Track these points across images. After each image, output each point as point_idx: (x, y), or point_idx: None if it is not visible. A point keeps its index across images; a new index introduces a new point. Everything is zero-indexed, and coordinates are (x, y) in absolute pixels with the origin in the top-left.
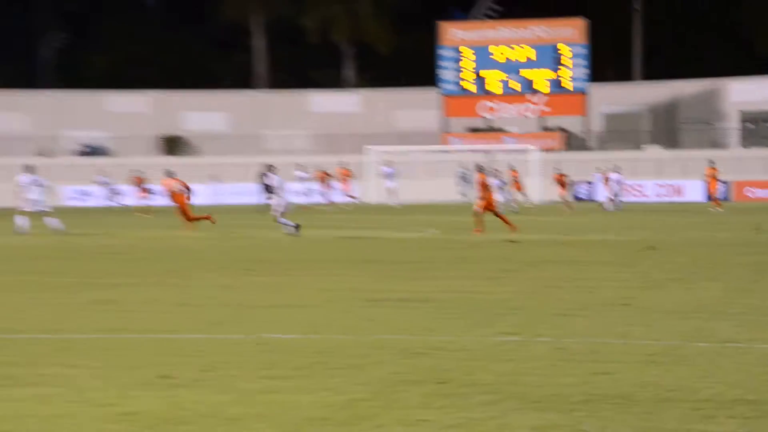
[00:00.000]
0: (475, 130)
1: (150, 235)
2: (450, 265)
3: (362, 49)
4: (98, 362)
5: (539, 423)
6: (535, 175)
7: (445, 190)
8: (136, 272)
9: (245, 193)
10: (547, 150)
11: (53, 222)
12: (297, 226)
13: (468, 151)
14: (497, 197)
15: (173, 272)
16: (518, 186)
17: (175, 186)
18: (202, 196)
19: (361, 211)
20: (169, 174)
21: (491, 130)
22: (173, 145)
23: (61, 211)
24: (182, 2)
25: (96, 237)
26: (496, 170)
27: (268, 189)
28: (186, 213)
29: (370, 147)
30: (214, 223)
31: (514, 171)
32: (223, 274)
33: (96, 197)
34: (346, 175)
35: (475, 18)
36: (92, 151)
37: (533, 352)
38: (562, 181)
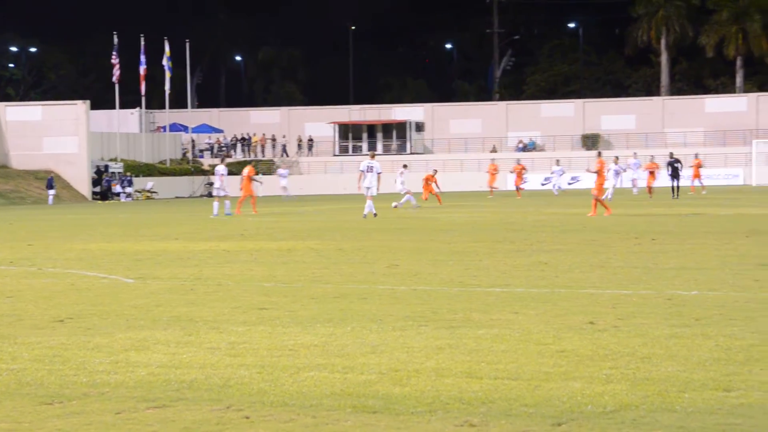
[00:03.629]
0: None
1: (571, 212)
2: None
3: (750, 59)
4: (536, 310)
5: None
6: None
7: None
8: (563, 241)
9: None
10: None
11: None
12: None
13: None
14: None
15: (594, 241)
16: None
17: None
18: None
19: (748, 191)
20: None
21: None
22: (591, 141)
23: (504, 195)
24: (603, 29)
25: (529, 213)
26: None
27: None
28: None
29: (756, 140)
30: None
31: None
32: (633, 243)
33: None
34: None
35: None
36: (528, 147)
37: None
38: None
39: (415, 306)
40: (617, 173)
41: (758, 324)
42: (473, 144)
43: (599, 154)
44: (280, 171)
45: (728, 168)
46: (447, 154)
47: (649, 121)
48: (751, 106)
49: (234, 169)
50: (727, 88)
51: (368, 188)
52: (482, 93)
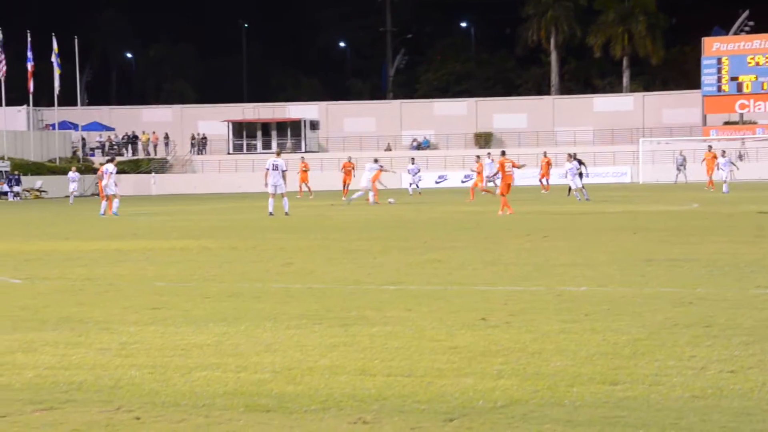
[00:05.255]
0: (729, 123)
1: (464, 210)
2: (710, 232)
3: (636, 60)
4: (429, 308)
5: None
6: None
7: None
8: (457, 238)
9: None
10: None
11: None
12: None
13: (724, 140)
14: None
15: (486, 239)
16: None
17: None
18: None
19: (635, 189)
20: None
21: (745, 123)
22: (484, 139)
23: (397, 193)
24: (494, 29)
25: (424, 211)
26: (723, 152)
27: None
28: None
29: (642, 139)
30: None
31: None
32: (525, 240)
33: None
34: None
35: (735, 33)
36: (422, 146)
37: None
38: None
39: (309, 304)
40: (573, 172)
41: (644, 319)
42: (368, 142)
43: (503, 153)
44: (71, 175)
45: (616, 166)
46: (342, 152)
47: (540, 120)
48: (637, 105)
49: (126, 168)
50: (614, 87)
51: (275, 186)
52: (376, 91)
